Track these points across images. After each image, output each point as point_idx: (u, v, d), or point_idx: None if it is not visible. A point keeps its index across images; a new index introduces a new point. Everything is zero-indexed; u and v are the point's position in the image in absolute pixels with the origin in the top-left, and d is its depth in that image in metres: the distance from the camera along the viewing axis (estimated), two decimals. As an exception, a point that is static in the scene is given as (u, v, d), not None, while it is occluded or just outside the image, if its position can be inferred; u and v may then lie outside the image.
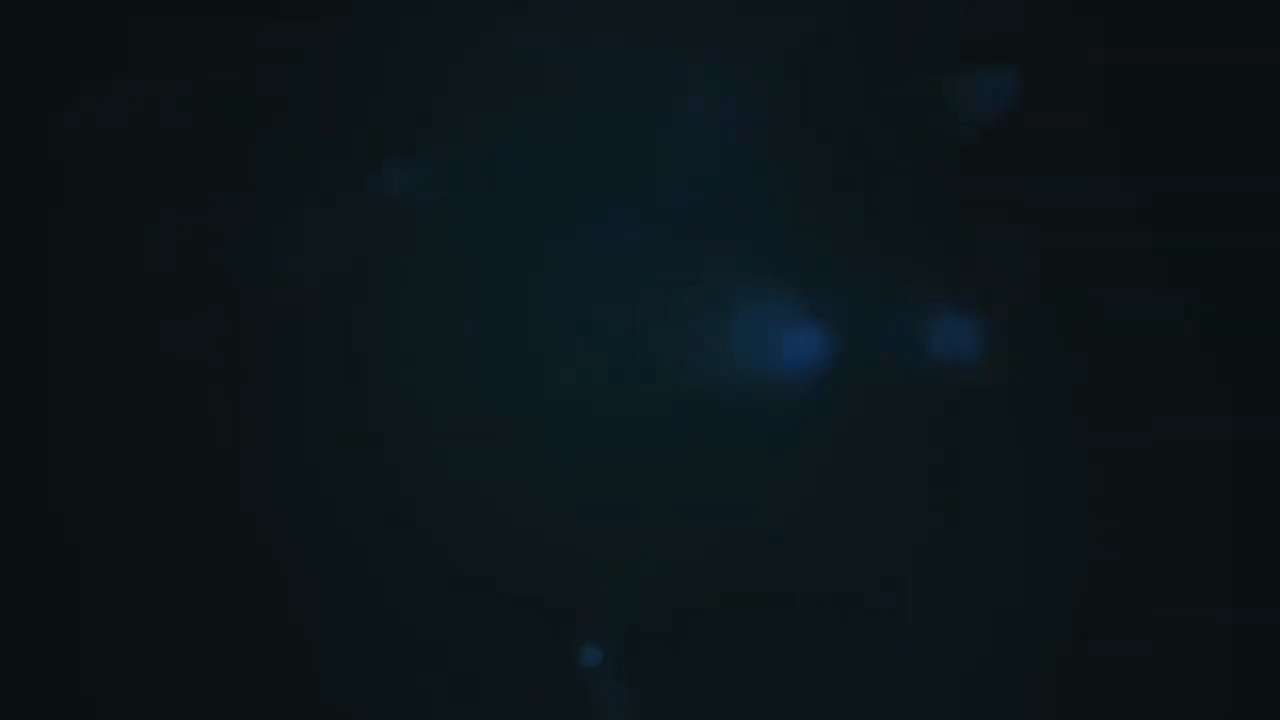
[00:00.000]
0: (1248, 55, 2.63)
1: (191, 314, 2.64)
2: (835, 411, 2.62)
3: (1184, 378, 2.60)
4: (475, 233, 2.66)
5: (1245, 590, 2.56)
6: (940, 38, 2.66)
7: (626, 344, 2.63)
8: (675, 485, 2.60)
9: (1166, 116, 2.64)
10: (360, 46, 2.68)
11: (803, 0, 2.68)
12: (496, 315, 2.64)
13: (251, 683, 2.57)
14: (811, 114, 2.66)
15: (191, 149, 2.67)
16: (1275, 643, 2.54)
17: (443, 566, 2.59)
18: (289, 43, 2.68)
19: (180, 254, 2.65)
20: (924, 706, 2.56)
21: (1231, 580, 2.56)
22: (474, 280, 2.65)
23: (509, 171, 2.66)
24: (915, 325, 2.63)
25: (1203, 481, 2.58)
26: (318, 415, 2.62)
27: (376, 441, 2.62)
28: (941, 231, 2.64)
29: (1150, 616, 2.56)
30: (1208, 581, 2.56)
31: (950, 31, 2.67)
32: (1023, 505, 2.59)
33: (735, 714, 2.57)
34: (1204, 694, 2.54)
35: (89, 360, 2.62)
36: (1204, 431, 2.58)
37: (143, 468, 2.60)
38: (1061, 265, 2.63)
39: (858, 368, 2.62)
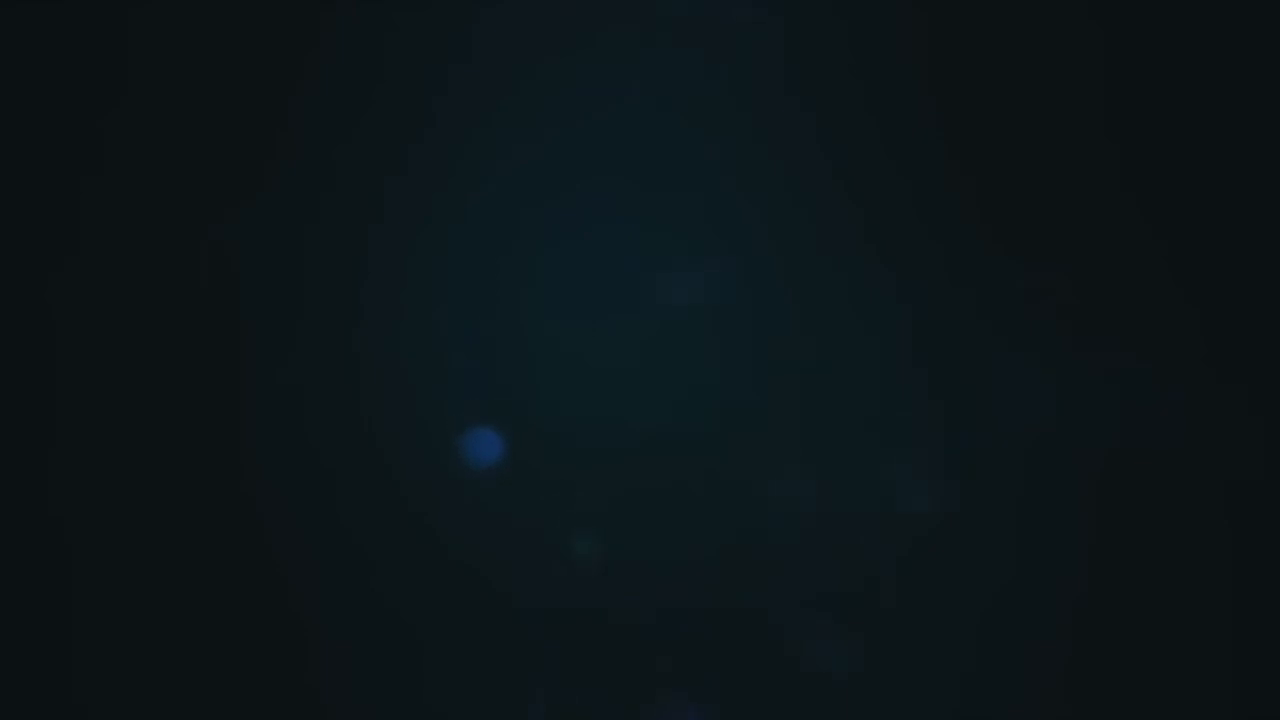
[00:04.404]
0: (1248, 55, 2.63)
1: (192, 314, 2.64)
2: (835, 412, 2.62)
3: (1184, 378, 2.60)
4: (475, 232, 2.66)
5: (1245, 590, 2.56)
6: (940, 37, 2.67)
7: (626, 343, 2.63)
8: (675, 486, 2.61)
9: (1166, 117, 2.64)
10: (360, 46, 2.68)
11: (804, 0, 2.68)
12: (496, 314, 2.65)
13: (251, 683, 2.57)
14: (811, 114, 2.66)
15: (192, 150, 2.67)
16: (1275, 643, 2.54)
17: (443, 566, 2.59)
18: (289, 39, 2.68)
19: (182, 255, 2.65)
20: (924, 706, 2.56)
21: (1231, 580, 2.57)
22: (474, 280, 2.65)
23: (508, 172, 2.66)
24: (914, 326, 2.63)
25: (1203, 482, 2.58)
26: (318, 415, 2.63)
27: (376, 441, 2.62)
28: (941, 232, 2.64)
29: (1150, 616, 2.56)
30: (1208, 581, 2.57)
31: (950, 31, 2.67)
32: (1023, 506, 2.59)
33: (735, 714, 2.57)
34: (1204, 694, 2.54)
35: (89, 359, 2.63)
36: (1204, 431, 2.59)
37: (143, 466, 2.61)
38: (1062, 265, 2.63)
39: (855, 368, 2.63)
